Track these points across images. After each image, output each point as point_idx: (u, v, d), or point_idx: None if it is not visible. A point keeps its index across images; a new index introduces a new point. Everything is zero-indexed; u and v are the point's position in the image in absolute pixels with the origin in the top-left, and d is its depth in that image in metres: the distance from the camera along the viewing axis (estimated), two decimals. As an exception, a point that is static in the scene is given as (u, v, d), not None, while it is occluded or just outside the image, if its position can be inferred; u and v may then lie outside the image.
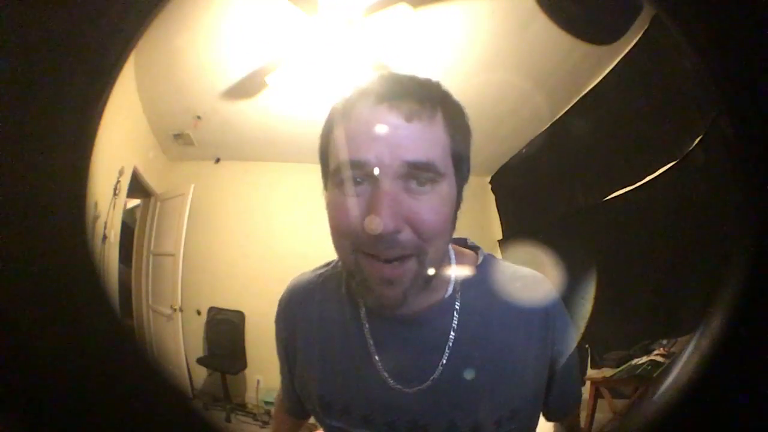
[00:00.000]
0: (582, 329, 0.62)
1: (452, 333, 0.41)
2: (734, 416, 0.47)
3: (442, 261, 0.39)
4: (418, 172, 0.33)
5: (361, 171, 0.33)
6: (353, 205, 0.33)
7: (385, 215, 0.31)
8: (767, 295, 0.47)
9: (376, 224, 0.31)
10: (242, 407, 0.66)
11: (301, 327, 0.46)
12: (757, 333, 0.47)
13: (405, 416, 0.40)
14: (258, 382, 0.67)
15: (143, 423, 0.45)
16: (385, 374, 0.41)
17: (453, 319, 0.41)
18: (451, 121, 0.37)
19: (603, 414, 0.64)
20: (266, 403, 0.66)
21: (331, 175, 0.35)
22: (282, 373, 0.54)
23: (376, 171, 0.32)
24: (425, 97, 0.35)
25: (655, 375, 0.59)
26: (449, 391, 0.41)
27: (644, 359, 0.63)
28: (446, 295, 0.42)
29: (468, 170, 0.40)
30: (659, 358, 0.62)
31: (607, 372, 0.65)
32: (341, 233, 0.36)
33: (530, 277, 0.46)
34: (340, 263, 0.42)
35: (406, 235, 0.34)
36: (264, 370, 0.67)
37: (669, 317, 0.65)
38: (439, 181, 0.35)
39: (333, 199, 0.35)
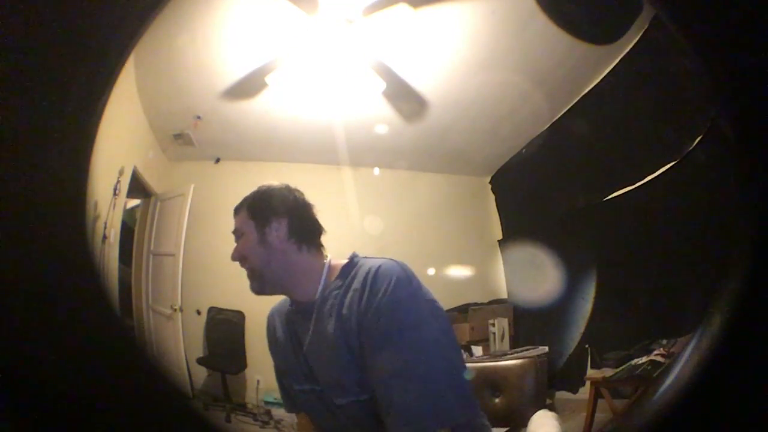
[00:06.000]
0: (582, 329, 0.63)
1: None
2: (734, 416, 0.47)
3: None
4: None
5: None
6: None
7: None
8: (767, 295, 0.47)
9: None
10: (242, 407, 0.66)
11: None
12: (757, 333, 0.47)
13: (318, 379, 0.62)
14: (258, 382, 0.67)
15: (143, 423, 0.45)
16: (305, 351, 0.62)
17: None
18: None
19: (603, 414, 0.64)
20: (266, 403, 0.66)
21: None
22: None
23: None
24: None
25: (655, 375, 0.59)
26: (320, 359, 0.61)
27: (644, 359, 0.63)
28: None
29: None
30: (659, 358, 0.62)
31: (607, 372, 0.65)
32: None
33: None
34: None
35: None
36: (264, 370, 0.67)
37: (669, 317, 0.65)
38: None
39: None
